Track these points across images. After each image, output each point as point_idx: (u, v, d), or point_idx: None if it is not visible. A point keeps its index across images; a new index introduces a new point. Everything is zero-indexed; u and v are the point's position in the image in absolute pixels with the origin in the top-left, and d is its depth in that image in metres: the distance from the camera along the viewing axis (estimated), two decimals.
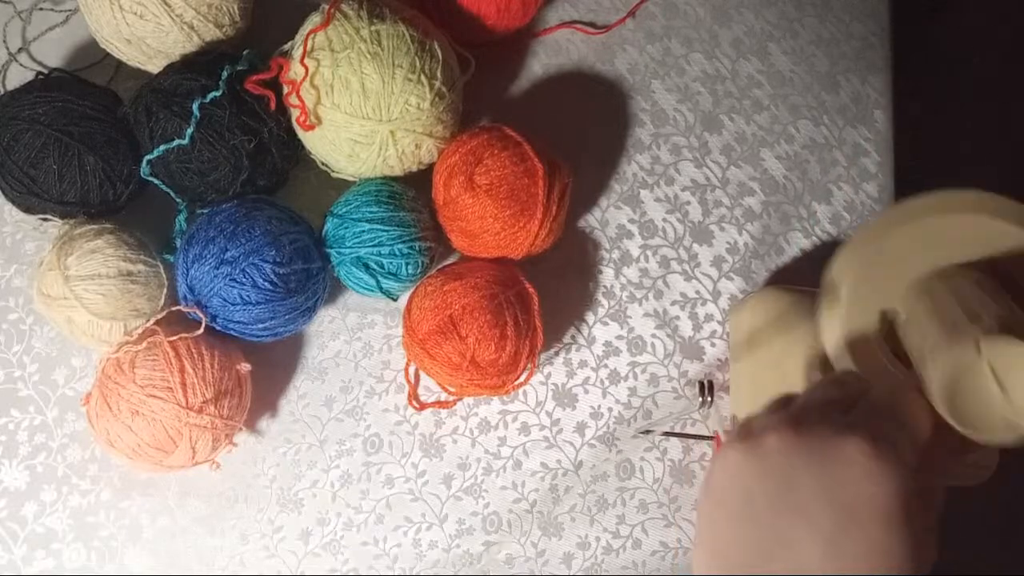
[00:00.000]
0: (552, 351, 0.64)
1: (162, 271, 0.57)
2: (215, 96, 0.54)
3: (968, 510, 0.63)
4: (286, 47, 0.57)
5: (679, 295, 0.65)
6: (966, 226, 0.42)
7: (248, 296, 0.54)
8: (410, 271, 0.58)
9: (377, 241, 0.56)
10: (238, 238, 0.54)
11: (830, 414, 0.37)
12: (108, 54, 0.60)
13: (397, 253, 0.56)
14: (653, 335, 0.64)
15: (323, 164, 0.60)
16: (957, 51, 1.12)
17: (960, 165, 1.04)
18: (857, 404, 0.38)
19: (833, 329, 0.44)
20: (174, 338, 0.54)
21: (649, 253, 0.66)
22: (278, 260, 0.54)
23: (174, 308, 0.56)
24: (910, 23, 0.87)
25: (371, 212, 0.56)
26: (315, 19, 0.56)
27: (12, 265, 0.62)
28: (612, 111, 0.68)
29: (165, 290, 0.57)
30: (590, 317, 0.65)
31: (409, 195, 0.58)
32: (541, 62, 0.69)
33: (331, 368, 0.63)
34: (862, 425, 0.35)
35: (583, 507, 0.62)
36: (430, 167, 0.60)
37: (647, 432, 0.62)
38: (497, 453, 0.62)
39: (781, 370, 0.57)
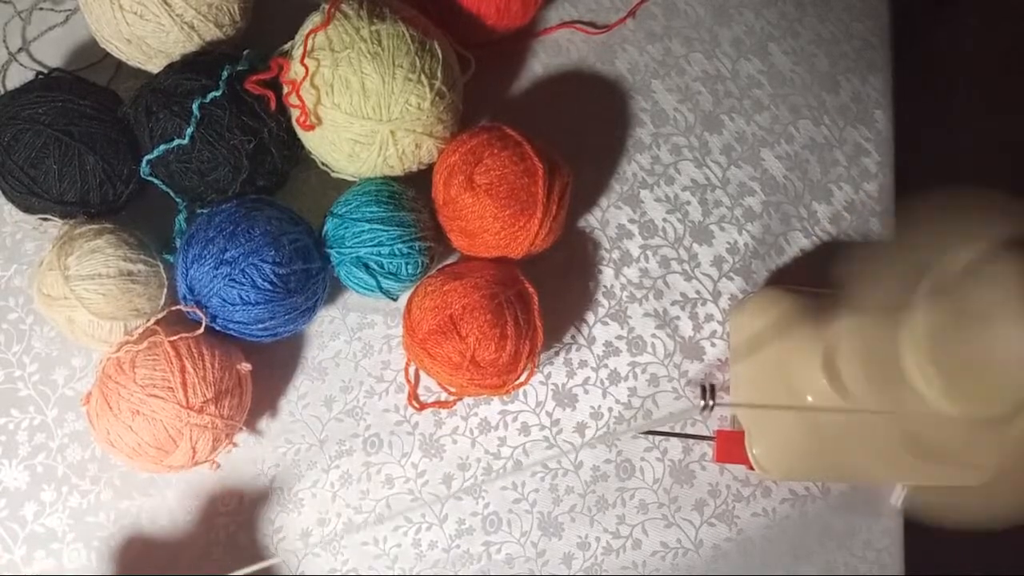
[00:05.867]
0: (552, 351, 0.64)
1: (162, 271, 0.57)
2: (215, 96, 0.54)
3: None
4: (286, 47, 0.57)
5: (679, 295, 0.65)
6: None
7: (248, 296, 0.54)
8: (410, 271, 0.58)
9: (377, 241, 0.56)
10: (238, 238, 0.54)
11: None
12: (108, 54, 0.60)
13: (397, 253, 0.56)
14: (653, 335, 0.64)
15: (323, 164, 0.60)
16: (957, 50, 1.12)
17: (961, 165, 1.04)
18: None
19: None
20: (175, 338, 0.54)
21: (649, 253, 0.66)
22: (278, 260, 0.54)
23: (174, 308, 0.56)
24: (910, 22, 0.87)
25: (371, 212, 0.56)
26: (315, 19, 0.56)
27: (12, 265, 0.62)
28: (612, 111, 0.68)
29: (165, 290, 0.57)
30: (590, 317, 0.64)
31: (409, 195, 0.58)
32: (541, 62, 0.69)
33: (331, 368, 0.63)
34: None
35: (583, 507, 0.62)
36: (430, 167, 0.60)
37: (647, 432, 0.62)
38: (497, 453, 0.62)
39: (782, 371, 0.57)
